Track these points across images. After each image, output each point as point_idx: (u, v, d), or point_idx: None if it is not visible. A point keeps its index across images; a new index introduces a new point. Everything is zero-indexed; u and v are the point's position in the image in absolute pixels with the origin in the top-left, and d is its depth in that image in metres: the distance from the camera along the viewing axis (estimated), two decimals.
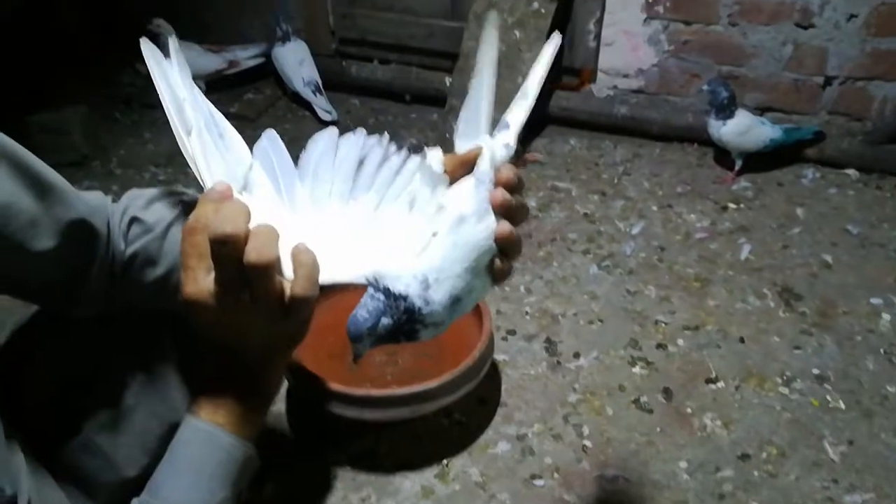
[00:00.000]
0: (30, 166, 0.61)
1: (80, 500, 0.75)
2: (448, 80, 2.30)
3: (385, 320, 0.56)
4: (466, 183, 0.59)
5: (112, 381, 0.78)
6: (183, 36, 2.64)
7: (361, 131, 0.66)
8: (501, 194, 0.59)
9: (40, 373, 0.76)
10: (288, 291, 0.56)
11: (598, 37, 2.22)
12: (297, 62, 2.43)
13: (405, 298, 0.56)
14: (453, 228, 0.57)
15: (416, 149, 0.64)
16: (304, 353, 1.24)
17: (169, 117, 0.62)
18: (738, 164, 2.02)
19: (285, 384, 1.37)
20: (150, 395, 0.79)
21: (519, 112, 0.64)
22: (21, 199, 0.60)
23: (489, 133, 0.63)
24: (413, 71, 2.47)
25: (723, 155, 2.09)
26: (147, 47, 0.64)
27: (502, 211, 0.59)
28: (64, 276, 0.68)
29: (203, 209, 0.55)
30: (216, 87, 2.55)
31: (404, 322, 0.56)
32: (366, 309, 0.56)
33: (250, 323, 0.57)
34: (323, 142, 0.65)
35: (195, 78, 2.18)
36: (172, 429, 0.77)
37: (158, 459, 0.78)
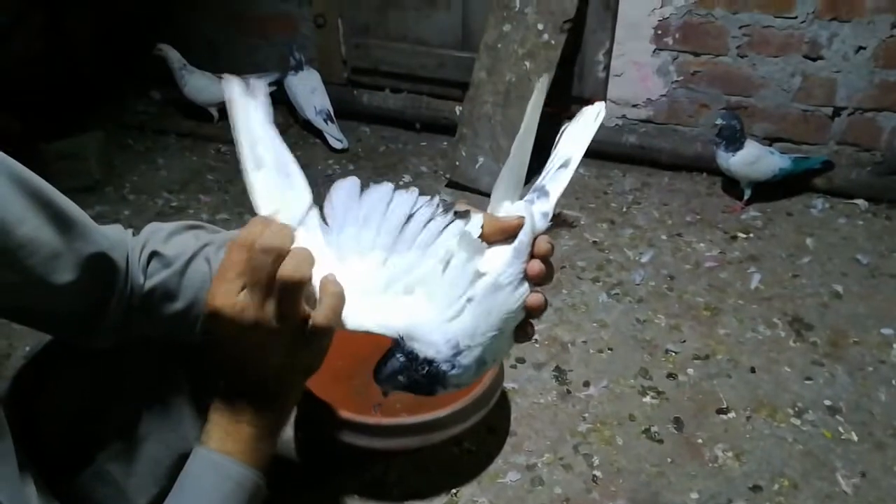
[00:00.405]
0: (52, 200, 0.62)
1: None
2: (458, 109, 2.33)
3: (401, 378, 0.58)
4: (505, 252, 0.60)
5: (125, 411, 0.78)
6: (197, 65, 2.68)
7: (415, 190, 0.67)
8: (539, 266, 0.60)
9: (54, 403, 0.76)
10: (311, 320, 0.57)
11: (607, 67, 2.25)
12: (309, 91, 2.46)
13: (431, 363, 0.58)
14: (488, 296, 0.58)
15: (463, 214, 0.64)
16: (312, 377, 1.24)
17: (238, 149, 0.63)
18: (747, 193, 2.03)
19: (294, 411, 1.37)
20: (162, 425, 0.79)
21: (560, 182, 0.65)
22: (43, 233, 0.61)
23: (521, 193, 0.64)
24: (424, 100, 2.50)
25: (731, 184, 2.10)
26: (231, 83, 0.65)
27: (537, 281, 0.61)
28: (82, 309, 0.68)
29: (252, 228, 0.57)
30: (228, 113, 2.58)
31: (424, 383, 0.59)
32: (384, 364, 0.59)
33: (269, 344, 0.58)
34: (378, 193, 0.65)
35: (209, 106, 2.24)
36: (183, 458, 0.76)
37: (168, 489, 0.78)
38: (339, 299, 0.58)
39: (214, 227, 0.78)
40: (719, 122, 1.98)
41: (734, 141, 1.96)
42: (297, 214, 0.62)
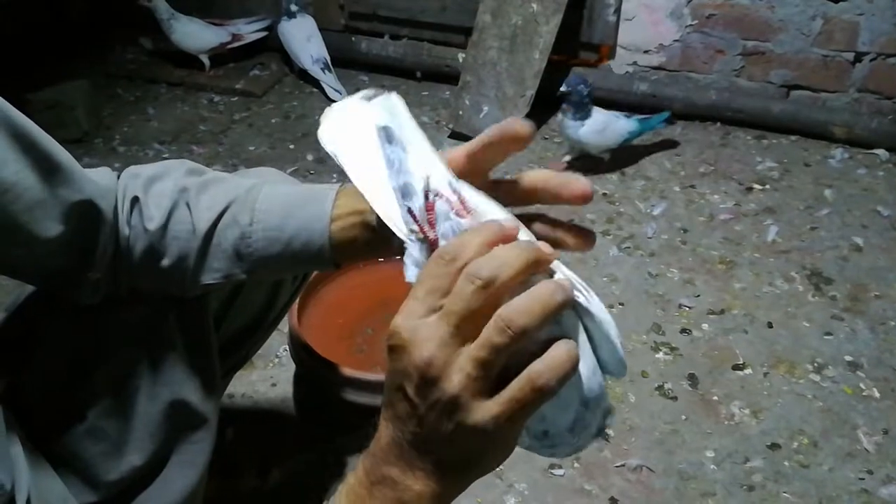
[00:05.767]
0: (37, 143, 0.57)
1: (82, 492, 0.71)
2: (461, 56, 2.23)
3: None
4: None
5: (114, 365, 0.73)
6: (186, 11, 2.56)
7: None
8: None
9: (40, 357, 0.71)
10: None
11: (617, 11, 2.14)
12: (304, 38, 2.36)
13: None
14: None
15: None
16: (313, 334, 1.19)
17: None
18: (606, 158, 1.90)
19: (293, 368, 1.32)
20: (154, 378, 0.74)
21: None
22: (27, 179, 0.56)
23: None
24: (425, 46, 2.39)
25: (585, 155, 1.91)
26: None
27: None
28: (68, 260, 0.63)
29: (466, 240, 0.42)
30: (220, 61, 2.49)
31: None
32: None
33: (453, 403, 0.41)
34: None
35: (199, 53, 2.12)
36: (174, 407, 0.74)
37: (165, 446, 0.74)
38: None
39: (198, 166, 0.70)
40: (564, 88, 1.78)
41: (582, 108, 1.79)
42: None
